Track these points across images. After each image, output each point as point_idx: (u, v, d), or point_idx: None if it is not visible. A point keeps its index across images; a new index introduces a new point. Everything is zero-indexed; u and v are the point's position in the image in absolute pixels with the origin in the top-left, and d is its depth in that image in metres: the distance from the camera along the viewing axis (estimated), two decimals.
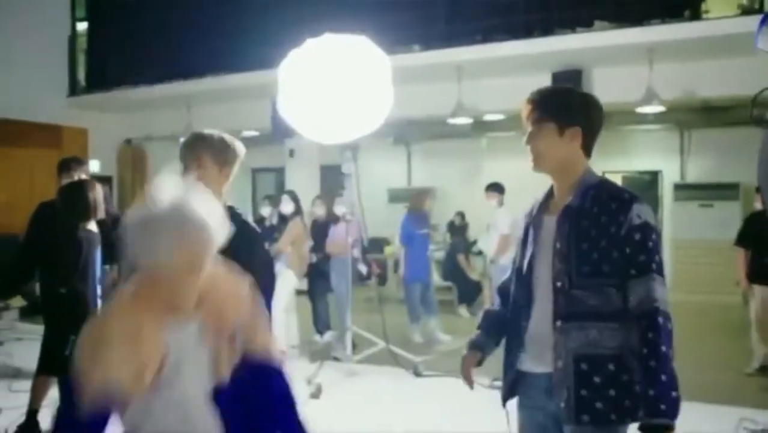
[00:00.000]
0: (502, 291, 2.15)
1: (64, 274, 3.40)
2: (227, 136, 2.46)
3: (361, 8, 7.69)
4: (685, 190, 9.72)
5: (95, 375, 1.47)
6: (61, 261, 3.44)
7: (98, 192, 3.72)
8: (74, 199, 3.58)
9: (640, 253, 1.75)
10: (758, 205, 6.04)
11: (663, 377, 1.67)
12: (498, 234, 6.87)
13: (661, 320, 1.71)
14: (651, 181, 10.63)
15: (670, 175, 10.24)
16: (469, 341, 2.16)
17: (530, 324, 1.92)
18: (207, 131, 2.47)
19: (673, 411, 1.67)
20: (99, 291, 3.60)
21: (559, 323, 1.81)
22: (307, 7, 8.09)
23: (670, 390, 1.67)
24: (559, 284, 1.83)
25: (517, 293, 1.99)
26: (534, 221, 1.99)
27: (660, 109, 7.48)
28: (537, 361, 1.91)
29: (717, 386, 5.43)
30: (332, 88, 4.57)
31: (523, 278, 1.96)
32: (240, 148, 2.47)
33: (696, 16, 6.94)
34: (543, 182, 2.07)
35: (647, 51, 6.97)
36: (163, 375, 1.49)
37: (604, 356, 1.75)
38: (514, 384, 2.00)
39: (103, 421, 1.52)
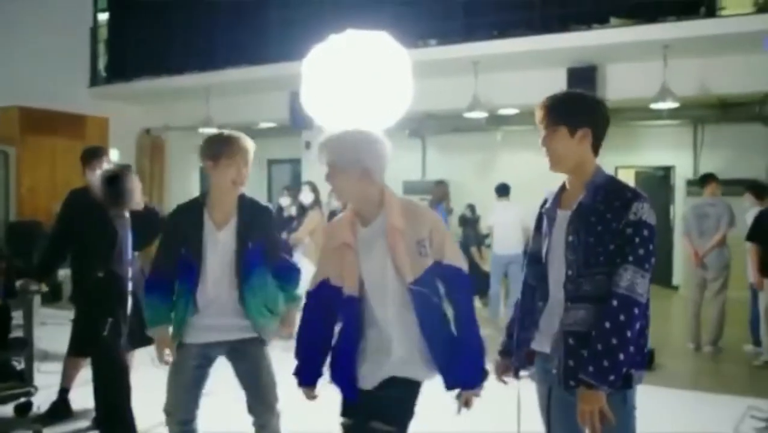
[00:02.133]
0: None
1: (102, 258, 3.55)
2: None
3: (380, 2, 7.79)
4: (697, 185, 9.74)
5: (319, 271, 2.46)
6: (98, 246, 3.59)
7: (136, 181, 3.89)
8: (116, 187, 3.73)
9: (626, 245, 1.96)
10: (746, 201, 6.22)
11: (599, 346, 1.92)
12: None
13: (614, 302, 1.93)
14: (664, 176, 10.67)
15: (683, 171, 10.27)
16: (499, 350, 2.40)
17: (546, 307, 2.16)
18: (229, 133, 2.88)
19: (599, 376, 1.91)
20: (130, 274, 3.74)
21: (568, 304, 2.06)
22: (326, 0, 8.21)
23: (603, 357, 1.91)
24: (570, 272, 2.07)
25: (530, 275, 2.25)
26: (548, 213, 2.21)
27: (674, 105, 7.54)
28: (547, 340, 2.13)
29: (727, 378, 5.55)
30: (354, 83, 4.67)
31: (537, 264, 2.21)
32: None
33: (711, 13, 6.98)
34: (555, 175, 2.24)
35: (662, 47, 7.02)
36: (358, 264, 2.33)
37: (589, 334, 1.97)
38: (528, 358, 2.24)
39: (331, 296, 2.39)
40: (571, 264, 2.06)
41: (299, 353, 2.47)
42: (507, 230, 7.38)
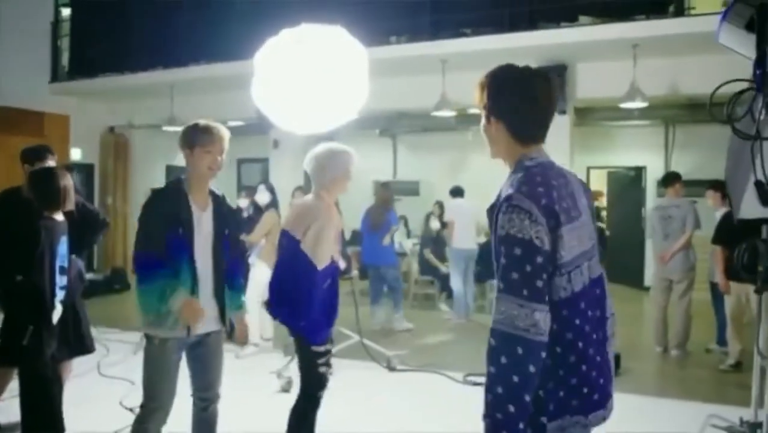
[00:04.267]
0: None
1: (22, 262, 3.33)
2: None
3: None
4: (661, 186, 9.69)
5: (322, 249, 2.98)
6: (19, 248, 3.36)
7: (69, 181, 3.65)
8: (45, 187, 3.51)
9: (499, 268, 1.61)
10: (709, 201, 6.11)
11: (488, 396, 1.57)
12: None
13: (492, 340, 1.58)
14: (636, 176, 10.62)
15: (654, 171, 10.22)
16: None
17: None
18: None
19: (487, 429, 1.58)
20: (64, 282, 3.51)
21: None
22: None
23: (495, 411, 1.56)
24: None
25: None
26: None
27: (643, 105, 7.46)
28: None
29: (694, 383, 5.45)
30: (306, 79, 4.50)
31: None
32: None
33: (680, 12, 6.91)
34: None
35: (631, 47, 6.93)
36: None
37: None
38: None
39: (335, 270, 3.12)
40: None
41: (321, 319, 3.05)
42: (464, 227, 7.73)
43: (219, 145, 2.91)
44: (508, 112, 1.74)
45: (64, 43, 10.50)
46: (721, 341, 6.09)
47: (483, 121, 1.81)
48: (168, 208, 2.86)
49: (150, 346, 2.87)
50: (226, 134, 2.98)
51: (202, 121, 2.95)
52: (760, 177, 2.39)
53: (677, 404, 4.74)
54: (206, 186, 2.97)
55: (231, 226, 3.08)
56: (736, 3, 2.46)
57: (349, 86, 4.65)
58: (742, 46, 2.55)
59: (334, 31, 4.67)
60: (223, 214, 3.00)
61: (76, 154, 10.24)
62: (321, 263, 2.98)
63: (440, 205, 9.18)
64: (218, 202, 3.01)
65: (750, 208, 2.98)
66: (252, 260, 5.96)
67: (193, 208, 2.88)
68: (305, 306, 3.00)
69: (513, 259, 1.58)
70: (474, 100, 1.83)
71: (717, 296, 6.04)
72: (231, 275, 3.06)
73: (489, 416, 1.57)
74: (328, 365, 3.15)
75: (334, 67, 4.57)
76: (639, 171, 10.52)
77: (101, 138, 11.03)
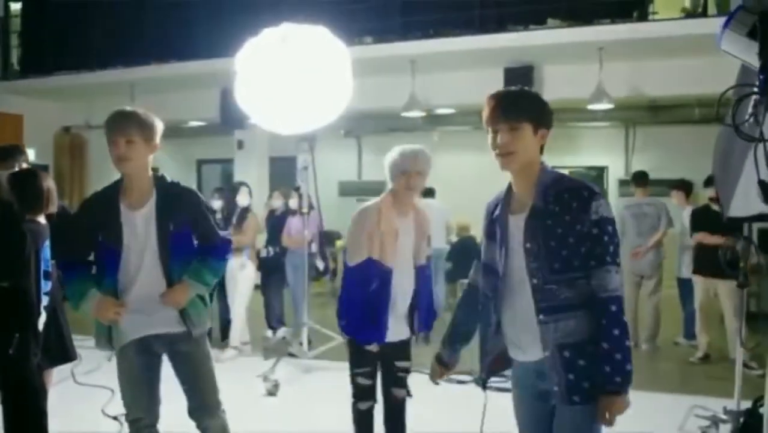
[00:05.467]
0: (472, 286, 2.32)
1: (7, 267, 3.19)
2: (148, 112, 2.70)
3: None
4: (629, 185, 9.96)
5: (359, 251, 2.97)
6: (3, 253, 3.21)
7: (51, 183, 3.55)
8: (27, 189, 3.39)
9: (597, 246, 1.94)
10: (674, 200, 6.39)
11: (618, 356, 1.90)
12: None
13: (613, 307, 1.92)
14: (597, 176, 10.87)
15: (615, 171, 10.50)
16: (435, 354, 2.39)
17: (506, 317, 2.11)
18: (129, 108, 2.67)
19: (626, 382, 1.92)
20: (49, 287, 3.38)
21: (541, 317, 1.99)
22: None
23: (624, 365, 1.90)
24: (535, 281, 1.99)
25: (486, 286, 2.18)
26: (499, 220, 2.13)
27: (609, 106, 7.65)
28: (521, 351, 2.09)
29: (666, 376, 5.62)
30: (291, 79, 4.46)
31: (493, 273, 2.13)
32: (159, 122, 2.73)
33: (643, 17, 7.12)
34: (492, 176, 2.24)
35: (597, 49, 7.10)
36: (398, 246, 3.00)
37: (583, 341, 1.94)
38: (491, 367, 2.21)
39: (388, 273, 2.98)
40: (534, 273, 1.99)
41: (362, 321, 3.00)
42: (433, 226, 7.62)
43: (120, 133, 2.54)
44: (551, 123, 2.09)
45: (15, 39, 10.12)
46: (688, 334, 6.31)
47: (521, 132, 2.01)
48: (92, 212, 2.70)
49: (115, 357, 2.75)
50: (134, 117, 2.58)
51: (125, 109, 2.64)
52: (764, 177, 2.47)
53: (655, 396, 4.86)
54: (139, 181, 2.64)
55: (181, 216, 2.68)
56: (739, 11, 2.53)
57: (333, 86, 4.64)
58: (744, 54, 2.61)
59: (318, 30, 4.65)
60: (167, 204, 2.65)
61: (29, 155, 9.85)
62: (351, 259, 3.00)
63: None
64: (163, 193, 2.67)
65: (740, 206, 3.10)
66: (243, 261, 5.83)
67: (122, 208, 2.62)
68: (343, 304, 3.08)
69: (610, 235, 1.96)
70: (491, 112, 2.04)
71: (684, 291, 6.25)
72: (204, 256, 2.75)
73: (621, 373, 1.89)
74: (372, 376, 3.09)
75: (318, 67, 4.56)
76: (601, 171, 10.79)
77: (55, 138, 10.66)
